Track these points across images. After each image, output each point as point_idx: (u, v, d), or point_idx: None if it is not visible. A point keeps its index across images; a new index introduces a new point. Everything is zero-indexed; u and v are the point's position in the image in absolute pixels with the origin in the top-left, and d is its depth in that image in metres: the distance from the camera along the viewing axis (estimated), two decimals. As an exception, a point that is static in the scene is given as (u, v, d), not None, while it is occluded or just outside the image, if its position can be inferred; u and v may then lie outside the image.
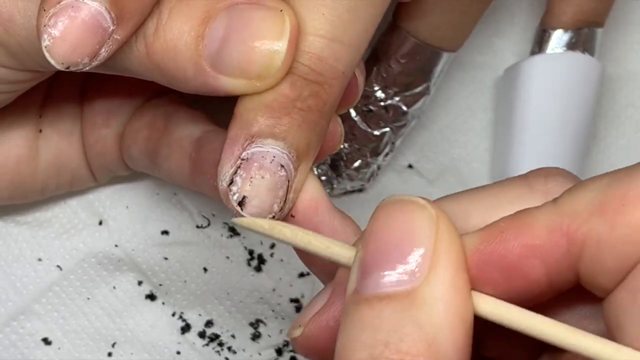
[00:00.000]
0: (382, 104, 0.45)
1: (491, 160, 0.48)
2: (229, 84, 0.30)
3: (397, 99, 0.45)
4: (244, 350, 0.46)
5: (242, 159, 0.30)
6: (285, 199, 0.31)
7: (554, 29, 0.45)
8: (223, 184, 0.30)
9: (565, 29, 0.45)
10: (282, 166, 0.30)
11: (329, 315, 0.30)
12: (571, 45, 0.45)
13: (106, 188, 0.46)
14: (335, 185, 0.47)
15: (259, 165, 0.30)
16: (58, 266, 0.45)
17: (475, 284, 0.26)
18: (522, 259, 0.26)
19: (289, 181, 0.31)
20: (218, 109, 0.40)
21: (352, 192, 0.48)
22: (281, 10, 0.30)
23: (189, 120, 0.39)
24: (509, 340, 0.31)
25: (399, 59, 0.44)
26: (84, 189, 0.46)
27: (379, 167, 0.47)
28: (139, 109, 0.42)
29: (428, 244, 0.25)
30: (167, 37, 0.30)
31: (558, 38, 0.45)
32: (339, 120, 0.34)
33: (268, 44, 0.30)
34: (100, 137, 0.42)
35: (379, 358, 0.24)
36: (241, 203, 0.30)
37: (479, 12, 0.43)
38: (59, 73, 0.41)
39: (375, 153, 0.46)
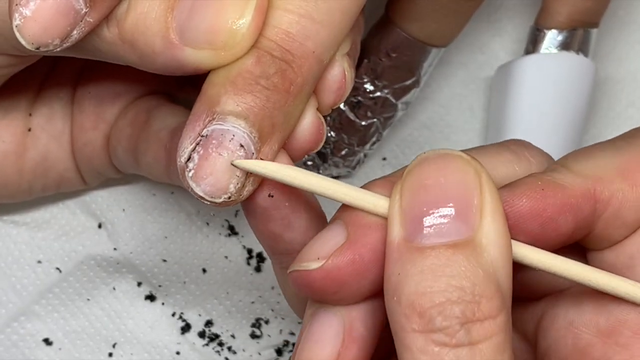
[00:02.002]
0: (371, 95, 0.45)
1: None
2: (195, 56, 0.30)
3: (386, 91, 0.45)
4: (244, 350, 0.46)
5: (202, 136, 0.29)
6: (245, 181, 0.30)
7: (549, 28, 0.44)
8: (181, 159, 0.30)
9: (560, 29, 0.44)
10: (241, 146, 0.29)
11: (354, 251, 0.30)
12: (565, 46, 0.44)
13: (103, 190, 0.46)
14: (321, 171, 0.47)
15: (217, 142, 0.29)
16: (57, 268, 0.46)
17: (511, 233, 0.29)
18: (560, 214, 0.29)
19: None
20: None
21: (338, 177, 0.48)
22: None
23: (167, 114, 0.39)
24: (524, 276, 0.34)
25: (389, 53, 0.44)
26: (81, 191, 0.46)
27: (365, 155, 0.47)
28: (124, 110, 0.41)
29: (477, 194, 0.27)
30: (137, 11, 0.30)
31: (552, 38, 0.44)
32: (321, 117, 0.33)
33: (234, 11, 0.30)
34: (88, 140, 0.42)
35: (457, 302, 0.26)
36: (196, 179, 0.29)
37: (470, 11, 0.43)
38: (51, 72, 0.42)
39: (362, 142, 0.47)
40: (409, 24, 0.43)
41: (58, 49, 0.29)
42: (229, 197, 0.30)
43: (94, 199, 0.46)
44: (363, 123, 0.46)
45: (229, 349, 0.46)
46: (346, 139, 0.46)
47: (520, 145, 0.33)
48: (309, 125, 0.32)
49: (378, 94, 0.45)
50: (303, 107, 0.32)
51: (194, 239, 0.47)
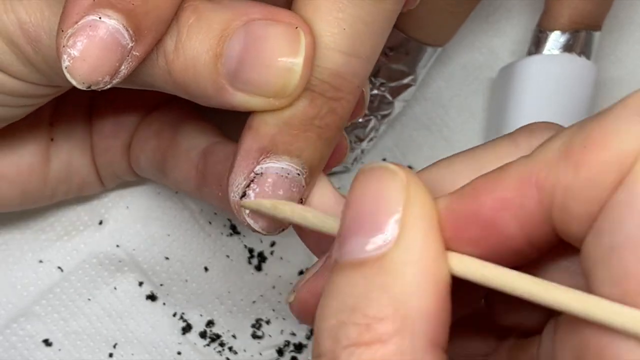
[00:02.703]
0: None
1: None
2: (247, 101, 0.30)
3: (382, 89, 0.46)
4: (245, 350, 0.46)
5: (256, 173, 0.30)
6: None
7: (551, 30, 0.45)
8: (235, 195, 0.31)
9: (563, 31, 0.45)
10: (294, 182, 0.31)
11: (317, 281, 0.30)
12: (568, 47, 0.45)
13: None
14: None
15: (272, 181, 0.30)
16: (59, 267, 0.45)
17: (454, 245, 0.26)
18: (495, 212, 0.25)
19: (300, 196, 0.31)
20: (226, 119, 0.40)
21: (335, 173, 0.48)
22: (297, 27, 0.30)
23: (196, 131, 0.39)
24: (520, 307, 0.31)
25: (386, 51, 0.45)
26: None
27: (362, 151, 0.48)
28: (146, 118, 0.42)
29: (398, 209, 0.25)
30: (186, 56, 0.30)
31: (555, 39, 0.45)
32: (345, 133, 0.34)
33: (284, 62, 0.30)
34: (109, 147, 0.42)
35: (346, 323, 0.25)
36: (254, 218, 0.31)
37: (467, 11, 0.44)
38: None
39: (359, 139, 0.47)
40: (406, 23, 0.44)
41: (108, 86, 0.29)
42: (282, 230, 0.31)
43: (97, 197, 0.46)
44: (360, 120, 0.46)
45: (230, 349, 0.46)
46: None
47: (524, 131, 0.30)
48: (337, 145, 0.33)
49: (375, 91, 0.46)
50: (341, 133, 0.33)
51: (196, 237, 0.46)
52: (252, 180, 0.30)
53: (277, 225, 0.31)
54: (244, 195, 0.30)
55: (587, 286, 0.24)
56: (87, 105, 0.42)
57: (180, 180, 0.39)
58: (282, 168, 0.30)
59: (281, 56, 0.30)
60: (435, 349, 0.25)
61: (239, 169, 0.31)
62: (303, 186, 0.31)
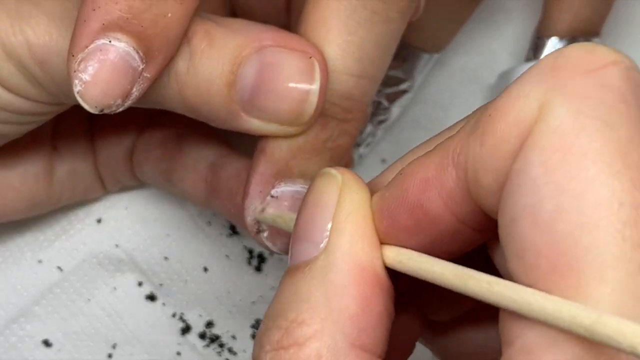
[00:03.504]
0: None
1: None
2: (261, 127, 0.31)
3: (379, 95, 0.46)
4: (244, 351, 0.46)
5: (272, 196, 0.31)
6: None
7: (549, 36, 0.45)
8: (252, 219, 0.31)
9: (561, 37, 0.45)
10: None
11: None
12: None
13: (105, 188, 0.46)
14: None
15: (289, 204, 0.31)
16: (59, 267, 0.45)
17: (392, 237, 0.26)
18: (419, 194, 0.25)
19: None
20: (231, 131, 0.40)
21: None
22: (310, 57, 0.30)
23: (202, 142, 0.40)
24: (450, 301, 0.31)
25: None
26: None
27: (360, 156, 0.48)
28: (149, 126, 0.42)
29: (330, 212, 0.26)
30: (199, 80, 0.30)
31: (553, 46, 0.45)
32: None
33: (299, 91, 0.30)
34: (111, 154, 0.42)
35: (270, 328, 0.25)
36: (272, 240, 0.32)
37: (464, 18, 0.44)
38: None
39: (356, 144, 0.47)
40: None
41: (121, 109, 0.29)
42: None
43: (97, 197, 0.46)
44: None
45: (230, 349, 0.46)
46: None
47: (471, 115, 0.27)
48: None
49: None
50: None
51: (195, 237, 0.47)
52: (269, 204, 0.31)
53: None
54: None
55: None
56: (89, 113, 0.42)
57: (188, 191, 0.40)
58: (297, 191, 0.31)
59: (297, 85, 0.30)
60: (359, 352, 0.24)
61: (255, 193, 0.31)
62: None
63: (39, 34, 0.31)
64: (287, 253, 0.31)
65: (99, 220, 0.46)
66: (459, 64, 0.50)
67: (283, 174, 0.31)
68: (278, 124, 0.30)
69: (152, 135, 0.41)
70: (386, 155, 0.49)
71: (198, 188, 0.39)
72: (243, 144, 0.33)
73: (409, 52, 0.44)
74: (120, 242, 0.46)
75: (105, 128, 0.42)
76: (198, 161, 0.39)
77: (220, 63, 0.30)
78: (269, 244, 0.31)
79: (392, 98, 0.46)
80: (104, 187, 0.44)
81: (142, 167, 0.42)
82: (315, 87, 0.30)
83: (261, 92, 0.30)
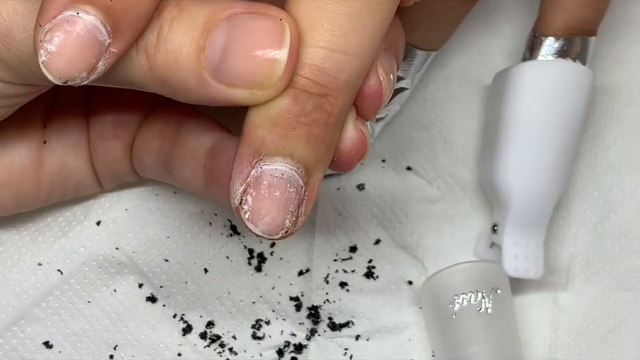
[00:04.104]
0: None
1: (479, 164, 0.49)
2: (230, 94, 0.30)
3: None
4: (245, 351, 0.46)
5: (252, 177, 0.30)
6: (297, 213, 0.31)
7: (545, 36, 0.45)
8: (235, 202, 0.31)
9: (557, 37, 0.45)
10: (291, 182, 0.31)
11: None
12: (562, 53, 0.45)
13: (105, 190, 0.46)
14: None
15: (268, 183, 0.30)
16: (59, 270, 0.45)
17: None
18: None
19: (299, 196, 0.31)
20: (229, 115, 0.40)
21: (332, 175, 0.48)
22: (281, 19, 0.30)
23: (200, 129, 0.39)
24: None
25: None
26: (84, 193, 0.46)
27: None
28: (148, 118, 0.41)
29: None
30: (168, 49, 0.30)
31: (549, 45, 0.45)
32: (365, 127, 0.34)
33: (269, 52, 0.30)
34: (109, 149, 0.42)
35: None
36: (253, 221, 0.31)
37: (461, 15, 0.44)
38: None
39: None
40: None
41: (85, 82, 0.29)
42: (286, 232, 0.31)
43: (96, 199, 0.46)
44: None
45: (231, 350, 0.46)
46: None
47: None
48: (351, 140, 0.33)
49: None
50: (340, 131, 0.32)
51: (196, 239, 0.46)
52: (249, 185, 0.30)
53: (280, 228, 0.31)
54: (242, 201, 0.31)
55: None
56: (83, 107, 0.42)
57: (188, 180, 0.39)
58: (276, 169, 0.30)
59: (266, 47, 0.30)
60: None
61: (235, 174, 0.31)
62: (301, 186, 0.31)
63: (2, 8, 0.31)
64: (269, 235, 0.31)
65: (98, 223, 0.46)
66: (457, 63, 0.50)
67: (260, 152, 0.30)
68: (247, 88, 0.30)
69: (151, 128, 0.41)
70: (386, 155, 0.49)
71: (197, 175, 0.39)
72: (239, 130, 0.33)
73: (407, 49, 0.44)
74: (121, 244, 0.46)
75: (103, 122, 0.42)
76: (196, 148, 0.39)
77: (191, 30, 0.30)
78: (250, 225, 0.31)
79: (391, 95, 0.46)
80: (100, 185, 0.44)
81: (142, 160, 0.41)
82: (285, 49, 0.30)
83: (230, 55, 0.30)
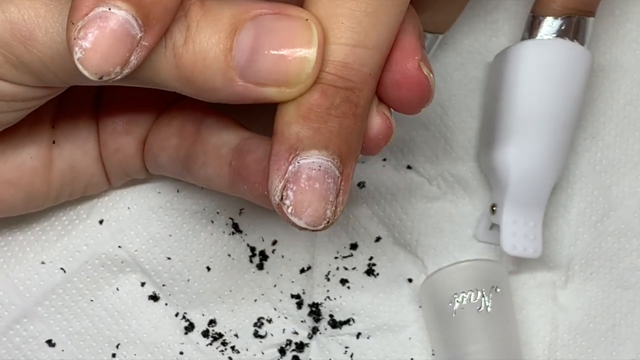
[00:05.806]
0: None
1: (478, 145, 0.49)
2: (257, 91, 0.31)
3: None
4: (247, 349, 0.46)
5: (290, 173, 0.31)
6: (336, 203, 0.32)
7: (545, 16, 0.45)
8: (276, 199, 0.32)
9: (556, 16, 0.45)
10: (328, 173, 0.32)
11: None
12: (561, 33, 0.45)
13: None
14: None
15: (307, 176, 0.31)
16: (61, 268, 0.45)
17: None
18: None
19: (337, 187, 0.32)
20: (242, 113, 0.40)
21: None
22: (307, 20, 0.31)
23: (222, 127, 0.40)
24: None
25: None
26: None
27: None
28: (163, 116, 0.42)
29: None
30: (195, 50, 0.31)
31: (548, 25, 0.45)
32: (388, 111, 0.35)
33: (299, 51, 0.31)
34: (120, 145, 0.42)
35: None
36: (297, 214, 0.31)
37: (463, 1, 0.44)
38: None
39: None
40: None
41: (119, 77, 0.30)
42: (328, 222, 0.32)
43: (99, 197, 0.46)
44: None
45: (233, 348, 0.46)
46: None
47: None
48: (377, 125, 0.34)
49: None
50: (367, 120, 0.34)
51: (198, 237, 0.47)
52: (288, 181, 0.31)
53: (322, 219, 0.32)
54: (283, 197, 0.31)
55: None
56: (92, 105, 0.42)
57: (211, 177, 0.40)
58: (313, 162, 0.31)
59: (295, 46, 0.31)
60: None
61: (273, 172, 0.32)
62: (338, 176, 0.32)
63: (24, 11, 0.32)
64: (313, 226, 0.32)
65: (101, 221, 0.46)
66: (457, 62, 0.50)
67: (296, 148, 0.31)
68: (275, 86, 0.31)
69: (169, 125, 0.41)
70: (387, 155, 0.49)
71: (222, 173, 0.39)
72: (259, 127, 0.34)
73: None
74: (123, 243, 0.46)
75: (114, 119, 0.42)
76: (221, 146, 0.39)
77: (218, 30, 0.31)
78: (294, 219, 0.32)
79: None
80: (109, 182, 0.44)
81: (157, 157, 0.42)
82: (314, 47, 0.31)
83: (258, 54, 0.31)
